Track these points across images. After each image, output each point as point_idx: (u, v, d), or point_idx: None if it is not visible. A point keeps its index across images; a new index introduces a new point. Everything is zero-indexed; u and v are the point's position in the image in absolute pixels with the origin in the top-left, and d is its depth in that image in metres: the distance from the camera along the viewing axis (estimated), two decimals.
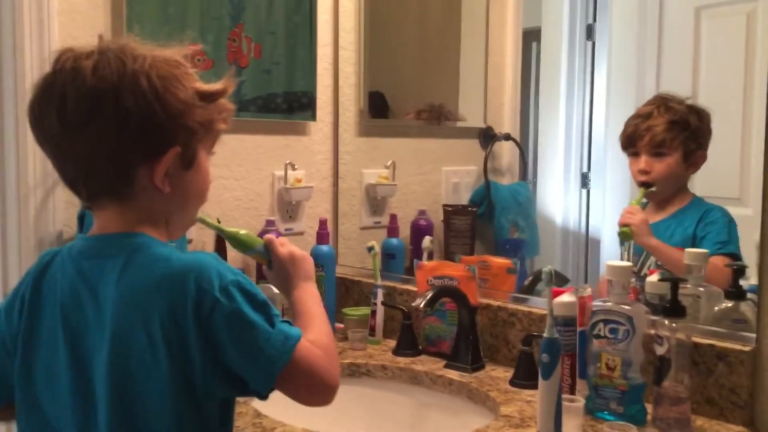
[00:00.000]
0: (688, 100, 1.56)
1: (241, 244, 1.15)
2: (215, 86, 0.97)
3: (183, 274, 0.88)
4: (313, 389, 0.95)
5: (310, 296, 1.09)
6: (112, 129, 0.89)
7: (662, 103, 1.57)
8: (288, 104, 1.89)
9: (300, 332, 0.94)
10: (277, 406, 1.10)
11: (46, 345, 0.97)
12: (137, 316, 0.89)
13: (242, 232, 1.16)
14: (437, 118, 2.13)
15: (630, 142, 1.60)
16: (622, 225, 1.56)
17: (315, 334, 0.98)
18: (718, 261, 1.43)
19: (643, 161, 1.57)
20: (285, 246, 1.14)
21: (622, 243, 1.58)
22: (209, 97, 0.96)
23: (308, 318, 1.04)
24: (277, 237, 1.16)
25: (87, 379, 0.93)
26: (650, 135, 1.56)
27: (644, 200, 1.61)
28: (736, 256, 1.44)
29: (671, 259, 1.50)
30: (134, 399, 0.90)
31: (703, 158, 1.55)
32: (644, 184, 1.58)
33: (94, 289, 0.93)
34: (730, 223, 1.49)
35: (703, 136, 1.54)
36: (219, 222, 1.71)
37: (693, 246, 1.49)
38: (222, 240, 1.47)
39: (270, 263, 1.14)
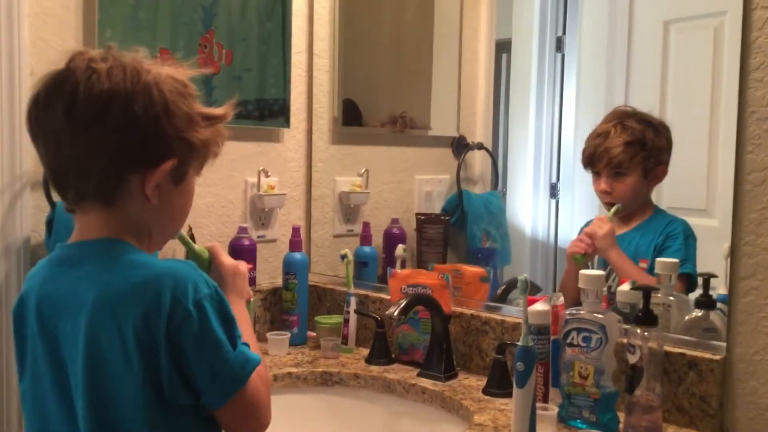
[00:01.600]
0: (651, 111, 1.56)
1: (200, 261, 1.15)
2: (217, 111, 1.01)
3: (159, 282, 0.89)
4: (252, 423, 0.97)
5: (240, 313, 1.07)
6: (118, 131, 0.91)
7: (619, 121, 1.57)
8: (259, 111, 1.88)
9: (259, 360, 0.96)
10: None
11: (31, 357, 0.97)
12: (112, 321, 0.89)
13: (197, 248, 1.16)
14: (405, 128, 2.13)
15: (589, 162, 1.61)
16: (576, 252, 1.57)
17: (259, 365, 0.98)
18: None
19: (603, 182, 1.58)
20: (229, 258, 1.16)
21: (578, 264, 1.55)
22: (210, 120, 0.99)
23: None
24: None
25: (67, 388, 0.92)
26: (608, 157, 1.56)
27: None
28: (690, 276, 1.44)
29: (628, 273, 1.50)
30: (110, 405, 0.90)
31: (664, 172, 1.56)
32: (610, 204, 1.58)
33: (69, 296, 0.93)
34: (688, 239, 1.50)
35: (661, 152, 1.55)
36: (191, 230, 1.70)
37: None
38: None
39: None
